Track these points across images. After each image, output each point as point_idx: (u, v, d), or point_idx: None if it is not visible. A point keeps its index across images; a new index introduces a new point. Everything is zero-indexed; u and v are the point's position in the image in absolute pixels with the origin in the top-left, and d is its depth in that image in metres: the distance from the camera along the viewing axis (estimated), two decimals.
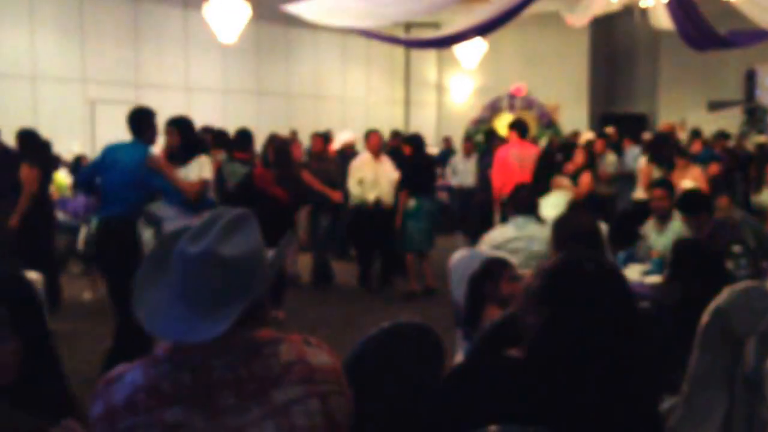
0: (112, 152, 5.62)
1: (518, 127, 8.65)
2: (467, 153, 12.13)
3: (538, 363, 1.79)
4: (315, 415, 1.62)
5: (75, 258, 9.05)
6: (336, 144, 10.49)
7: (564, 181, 7.67)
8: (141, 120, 5.61)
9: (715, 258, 3.92)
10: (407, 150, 8.48)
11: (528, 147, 8.59)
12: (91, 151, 12.28)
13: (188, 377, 1.59)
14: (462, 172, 11.81)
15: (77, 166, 11.31)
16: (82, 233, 9.02)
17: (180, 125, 5.87)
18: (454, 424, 1.75)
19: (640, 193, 8.77)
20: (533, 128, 15.27)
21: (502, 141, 11.35)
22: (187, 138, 5.85)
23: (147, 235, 5.46)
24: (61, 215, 9.63)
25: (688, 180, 7.94)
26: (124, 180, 5.39)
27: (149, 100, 13.20)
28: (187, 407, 1.56)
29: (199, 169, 5.69)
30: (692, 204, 5.56)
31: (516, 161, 8.21)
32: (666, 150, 9.01)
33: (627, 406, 1.79)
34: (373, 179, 8.22)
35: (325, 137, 9.16)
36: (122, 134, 12.91)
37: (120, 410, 1.58)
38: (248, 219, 1.68)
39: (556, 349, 1.77)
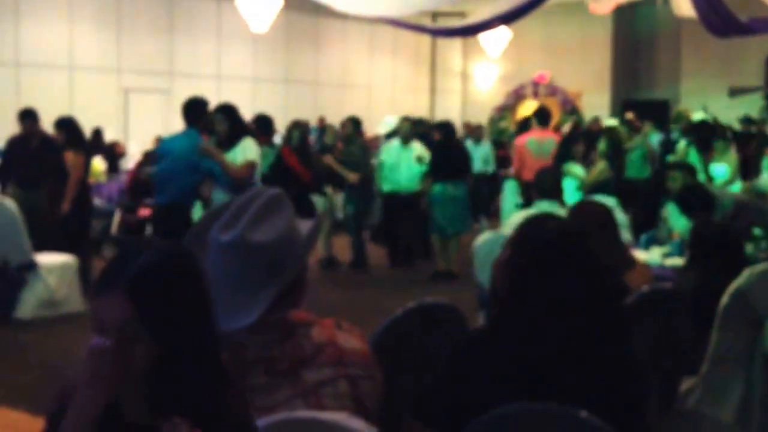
0: (166, 144, 6.10)
1: (538, 114, 8.86)
2: (477, 139, 11.57)
3: (505, 327, 1.86)
4: (343, 398, 1.63)
5: (109, 242, 9.31)
6: (381, 129, 10.84)
7: (575, 168, 7.86)
8: (195, 109, 5.98)
9: (735, 240, 3.93)
10: (437, 136, 8.73)
11: (547, 134, 8.73)
12: (124, 138, 12.67)
13: (227, 356, 1.55)
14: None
15: (112, 152, 11.70)
16: (116, 218, 9.40)
17: (227, 112, 6.11)
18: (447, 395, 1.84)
19: None
20: (556, 115, 15.48)
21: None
22: (234, 124, 6.08)
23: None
24: (95, 200, 9.98)
25: (722, 164, 8.12)
26: (177, 166, 5.75)
27: (181, 89, 13.58)
28: None
29: (243, 153, 5.90)
30: (688, 202, 5.39)
31: (533, 148, 8.34)
32: (704, 133, 9.09)
33: (597, 368, 1.80)
34: (394, 164, 8.49)
35: (354, 122, 9.33)
36: (154, 122, 13.32)
37: None
38: (281, 201, 1.69)
39: (520, 313, 1.85)
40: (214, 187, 5.85)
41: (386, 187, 8.56)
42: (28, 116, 7.30)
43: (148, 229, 9.28)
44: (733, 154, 8.58)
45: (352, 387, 1.65)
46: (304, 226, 1.74)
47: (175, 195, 5.71)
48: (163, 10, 13.69)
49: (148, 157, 10.25)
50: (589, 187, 7.69)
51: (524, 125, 10.24)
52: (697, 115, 11.14)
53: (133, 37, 13.28)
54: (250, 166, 5.85)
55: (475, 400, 1.77)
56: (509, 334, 1.85)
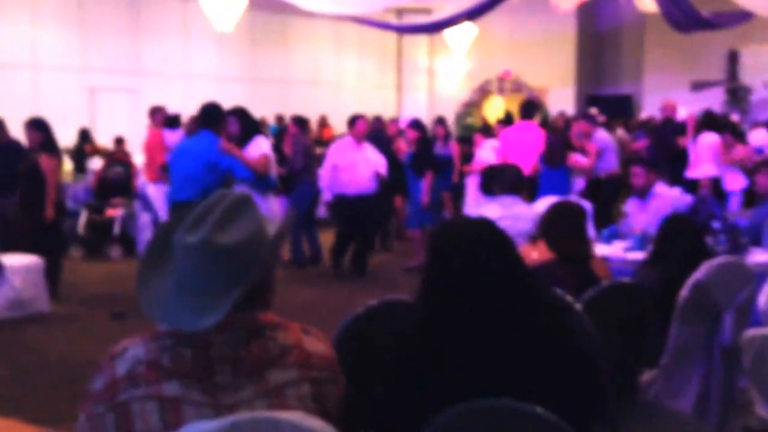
0: (183, 145, 6.37)
1: (522, 108, 9.08)
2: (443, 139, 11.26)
3: (422, 314, 1.96)
4: (306, 400, 1.64)
5: (76, 242, 9.23)
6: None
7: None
8: (213, 114, 6.21)
9: (700, 235, 4.01)
10: (411, 134, 8.78)
11: (531, 128, 8.85)
12: (91, 138, 12.54)
13: (188, 352, 1.61)
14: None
15: (80, 153, 11.59)
16: (83, 218, 9.32)
17: (239, 115, 6.68)
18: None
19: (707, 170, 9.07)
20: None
21: (490, 128, 11.70)
22: (246, 124, 6.65)
23: None
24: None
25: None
26: (198, 164, 5.92)
27: (148, 88, 13.53)
28: (185, 382, 1.58)
29: (258, 148, 6.49)
30: None
31: (516, 141, 8.51)
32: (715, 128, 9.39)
33: (517, 355, 1.86)
34: (348, 164, 8.10)
35: (297, 121, 9.17)
36: (121, 121, 13.16)
37: (121, 382, 1.59)
38: (247, 203, 1.69)
39: (434, 301, 1.95)
40: (235, 186, 6.26)
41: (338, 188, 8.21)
42: None
43: (115, 229, 9.24)
44: (741, 148, 8.98)
45: (315, 390, 1.66)
46: (272, 226, 1.74)
47: (194, 192, 5.86)
48: (129, 9, 13.58)
49: (113, 158, 10.18)
50: None
51: (508, 120, 10.39)
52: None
53: (98, 36, 13.16)
54: (265, 157, 6.45)
55: (405, 403, 1.85)
56: (431, 337, 1.92)
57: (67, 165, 11.23)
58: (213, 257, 1.60)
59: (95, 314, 6.59)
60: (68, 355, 5.48)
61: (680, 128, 9.92)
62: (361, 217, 8.06)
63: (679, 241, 3.83)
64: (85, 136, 11.41)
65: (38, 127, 7.11)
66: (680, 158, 9.34)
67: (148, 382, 1.58)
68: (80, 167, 11.35)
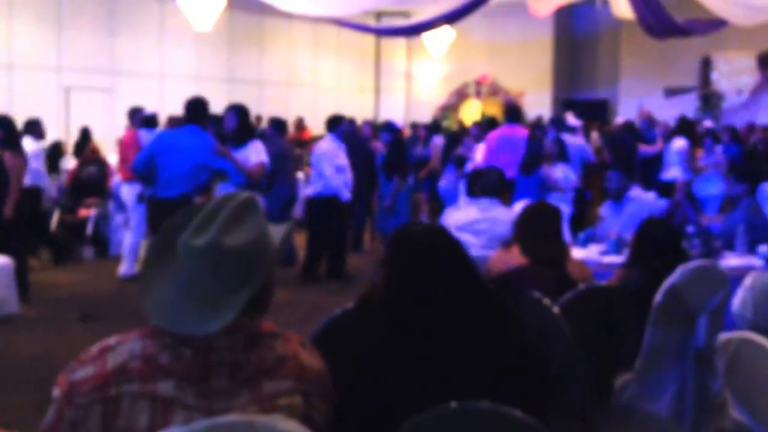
0: (168, 138, 6.17)
1: (508, 111, 9.30)
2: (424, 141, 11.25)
3: (373, 315, 2.03)
4: (296, 411, 1.64)
5: (46, 244, 9.05)
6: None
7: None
8: (200, 108, 6.14)
9: (679, 238, 4.03)
10: (385, 137, 8.81)
11: (517, 130, 8.93)
12: (66, 137, 12.40)
13: (189, 353, 1.59)
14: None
15: (55, 152, 11.45)
16: (55, 218, 9.17)
17: (238, 111, 6.65)
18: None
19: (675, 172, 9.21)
20: (498, 114, 15.69)
21: (466, 130, 11.73)
22: (243, 122, 6.62)
23: None
24: None
25: None
26: (191, 162, 5.81)
27: (124, 88, 13.40)
28: (181, 383, 1.56)
29: (257, 154, 6.39)
30: None
31: (503, 144, 8.59)
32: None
33: (469, 356, 1.92)
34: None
35: (274, 122, 9.17)
36: (97, 121, 13.03)
37: (113, 376, 1.55)
38: (253, 205, 1.68)
39: (388, 303, 2.01)
40: (224, 186, 6.17)
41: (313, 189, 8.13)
42: None
43: (88, 230, 9.14)
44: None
45: (306, 403, 1.67)
46: (276, 231, 1.74)
47: (181, 190, 5.76)
48: (105, 7, 13.44)
49: (87, 158, 10.06)
50: None
51: (491, 123, 10.44)
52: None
53: (73, 35, 13.01)
54: (263, 165, 6.38)
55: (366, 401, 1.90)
56: (379, 326, 1.99)
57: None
58: (220, 259, 1.58)
59: (66, 316, 6.50)
60: (38, 358, 5.39)
61: (638, 134, 10.16)
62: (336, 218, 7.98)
63: (656, 244, 3.84)
64: (85, 135, 11.18)
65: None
66: (652, 162, 9.49)
67: (143, 378, 1.55)
68: (53, 166, 11.23)
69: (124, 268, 7.97)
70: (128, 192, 8.26)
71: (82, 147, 10.84)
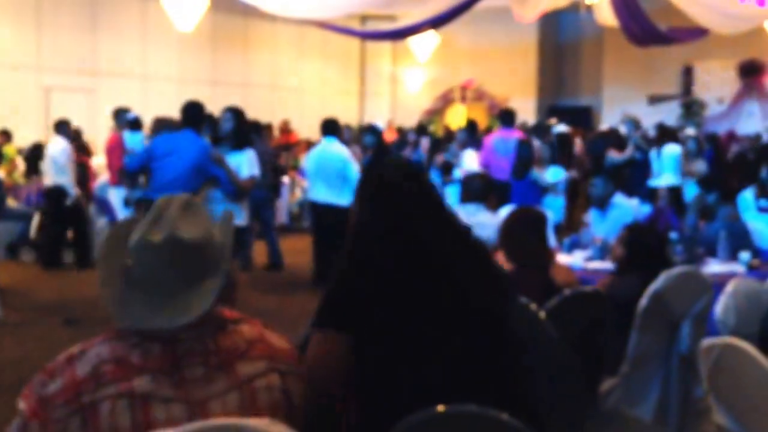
0: (165, 142, 6.14)
1: (502, 116, 9.49)
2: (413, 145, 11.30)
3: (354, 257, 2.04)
4: (275, 391, 1.67)
5: (27, 246, 9.03)
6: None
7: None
8: (196, 112, 6.15)
9: (666, 245, 4.14)
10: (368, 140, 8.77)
11: (512, 134, 9.05)
12: (46, 138, 12.29)
13: (158, 347, 1.60)
14: None
15: (34, 154, 11.33)
16: (36, 221, 9.09)
17: (234, 114, 6.69)
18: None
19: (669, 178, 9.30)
20: (483, 119, 15.74)
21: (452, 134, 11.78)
22: (240, 126, 6.65)
23: None
24: (13, 203, 9.67)
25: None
26: (187, 166, 5.80)
27: (106, 88, 13.31)
28: (156, 377, 1.57)
29: (250, 167, 6.42)
30: None
31: (499, 147, 8.76)
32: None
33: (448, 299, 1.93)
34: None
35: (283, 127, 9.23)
36: (78, 122, 12.94)
37: (85, 383, 1.55)
38: (196, 203, 1.73)
39: (364, 243, 2.03)
40: (215, 191, 6.17)
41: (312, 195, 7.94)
42: None
43: (69, 234, 9.03)
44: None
45: (282, 381, 1.69)
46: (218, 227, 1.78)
47: (181, 192, 5.72)
48: (86, 7, 13.35)
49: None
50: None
51: (471, 127, 10.57)
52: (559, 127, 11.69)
53: (54, 35, 12.91)
54: (253, 180, 6.47)
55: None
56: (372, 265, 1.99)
57: (21, 166, 11.01)
58: (182, 252, 1.62)
59: (47, 320, 6.43)
60: (18, 362, 5.33)
61: (621, 140, 10.31)
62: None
63: (649, 251, 3.87)
64: (76, 134, 11.06)
65: None
66: (640, 168, 9.58)
67: (117, 379, 1.55)
68: (34, 169, 11.11)
69: None
70: (115, 196, 8.15)
71: (81, 146, 10.67)
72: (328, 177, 7.52)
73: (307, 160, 8.12)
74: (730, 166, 10.77)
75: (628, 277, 3.82)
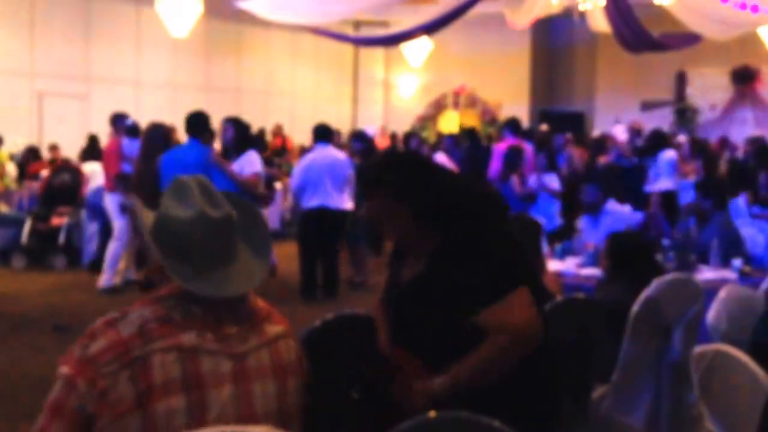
0: (170, 156, 6.31)
1: (510, 124, 9.60)
2: None
3: None
4: (293, 352, 1.88)
5: (18, 252, 8.98)
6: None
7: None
8: (200, 123, 6.26)
9: (652, 251, 4.10)
10: (357, 146, 8.78)
11: (519, 143, 9.13)
12: (39, 143, 12.26)
13: (198, 308, 1.74)
14: None
15: (29, 158, 11.31)
16: (27, 226, 9.03)
17: (234, 122, 6.76)
18: None
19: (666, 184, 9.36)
20: (477, 125, 15.75)
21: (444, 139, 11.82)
22: (241, 134, 6.72)
23: None
24: (4, 208, 9.64)
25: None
26: (190, 172, 5.74)
27: (99, 94, 13.28)
28: (200, 332, 1.71)
29: (250, 165, 6.45)
30: None
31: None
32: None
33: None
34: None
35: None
36: (71, 128, 12.88)
37: (132, 340, 1.65)
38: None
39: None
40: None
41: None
42: None
43: (60, 238, 9.00)
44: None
45: (296, 344, 1.92)
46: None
47: None
48: (80, 12, 13.33)
49: (59, 166, 9.92)
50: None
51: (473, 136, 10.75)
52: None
53: (47, 40, 12.87)
54: (257, 176, 6.45)
55: None
56: None
57: (12, 171, 10.97)
58: (233, 226, 1.81)
59: (38, 326, 6.40)
60: (8, 368, 5.29)
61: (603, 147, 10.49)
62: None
63: (633, 257, 3.87)
64: (93, 141, 11.00)
65: None
66: (632, 174, 9.62)
67: (164, 335, 1.67)
68: (26, 173, 11.08)
69: (103, 280, 7.72)
70: (111, 202, 8.05)
71: (90, 153, 10.60)
72: (334, 182, 7.39)
73: (301, 168, 7.70)
74: (722, 172, 10.79)
75: (615, 284, 3.81)
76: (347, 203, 7.59)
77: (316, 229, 7.50)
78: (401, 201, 2.14)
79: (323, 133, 7.68)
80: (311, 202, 7.47)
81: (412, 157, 2.48)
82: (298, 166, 7.89)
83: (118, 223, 7.81)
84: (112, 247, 7.83)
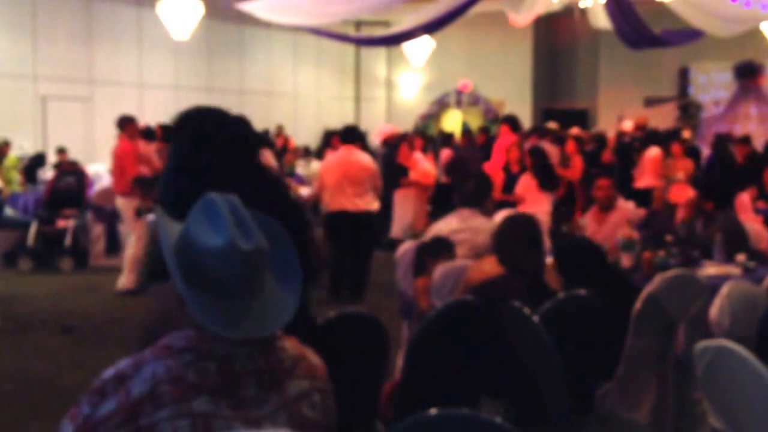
0: None
1: (509, 121, 9.58)
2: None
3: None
4: (317, 409, 1.67)
5: (25, 255, 9.03)
6: (377, 137, 10.74)
7: None
8: None
9: (597, 252, 3.95)
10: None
11: (529, 140, 9.17)
12: (43, 147, 12.31)
13: (214, 366, 1.57)
14: None
15: (35, 162, 11.36)
16: (33, 229, 9.07)
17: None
18: None
19: (648, 181, 9.40)
20: (479, 123, 15.77)
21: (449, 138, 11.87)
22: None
23: None
24: (11, 211, 9.68)
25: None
26: None
27: (102, 97, 13.31)
28: (214, 397, 1.55)
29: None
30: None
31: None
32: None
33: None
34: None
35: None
36: (74, 131, 12.91)
37: (140, 406, 1.52)
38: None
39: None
40: None
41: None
42: None
43: (67, 241, 9.04)
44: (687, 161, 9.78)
45: (322, 399, 1.69)
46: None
47: None
48: (82, 16, 13.36)
49: (65, 169, 9.95)
50: None
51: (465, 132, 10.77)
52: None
53: (50, 44, 12.90)
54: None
55: None
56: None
57: (18, 174, 11.02)
58: (264, 260, 1.60)
59: (45, 328, 6.42)
60: (16, 370, 5.30)
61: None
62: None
63: (579, 266, 3.77)
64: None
65: None
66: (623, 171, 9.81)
67: (176, 400, 1.52)
68: (31, 177, 11.13)
69: (123, 281, 7.74)
70: (124, 205, 8.02)
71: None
72: (355, 184, 7.33)
73: (323, 170, 7.65)
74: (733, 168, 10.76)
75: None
76: (372, 204, 7.47)
77: (339, 231, 7.42)
78: None
79: (350, 135, 7.62)
80: (333, 205, 7.42)
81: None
82: (321, 168, 7.82)
83: (136, 228, 7.77)
84: (131, 251, 7.79)
